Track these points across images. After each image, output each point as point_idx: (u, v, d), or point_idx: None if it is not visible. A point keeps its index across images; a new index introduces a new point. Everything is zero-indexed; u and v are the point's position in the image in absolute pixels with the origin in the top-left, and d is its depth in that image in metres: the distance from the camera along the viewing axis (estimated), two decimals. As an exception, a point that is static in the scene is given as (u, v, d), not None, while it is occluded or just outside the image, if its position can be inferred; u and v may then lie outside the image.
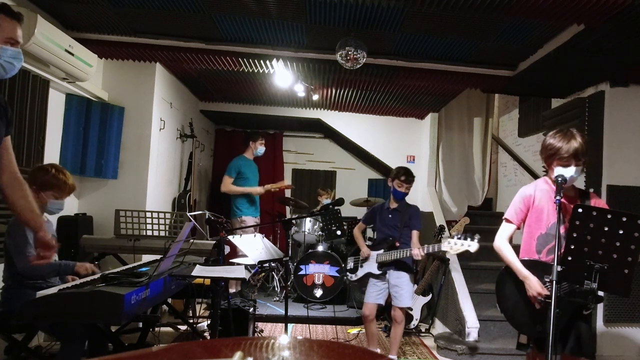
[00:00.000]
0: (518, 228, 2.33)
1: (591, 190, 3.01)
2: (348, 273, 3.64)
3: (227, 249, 3.26)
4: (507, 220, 2.32)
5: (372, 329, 3.47)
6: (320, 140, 7.12)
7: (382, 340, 4.16)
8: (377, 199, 5.61)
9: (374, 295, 3.42)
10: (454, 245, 3.04)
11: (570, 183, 2.15)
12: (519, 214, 2.29)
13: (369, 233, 5.53)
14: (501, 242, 2.28)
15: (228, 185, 5.09)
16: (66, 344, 2.34)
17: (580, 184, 3.95)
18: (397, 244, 3.37)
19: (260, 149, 5.30)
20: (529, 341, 2.24)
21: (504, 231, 2.31)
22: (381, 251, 3.39)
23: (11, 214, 2.65)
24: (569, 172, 2.09)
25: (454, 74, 4.10)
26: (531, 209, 2.26)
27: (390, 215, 3.46)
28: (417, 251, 3.21)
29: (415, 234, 3.40)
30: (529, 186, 2.33)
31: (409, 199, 3.54)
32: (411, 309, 4.33)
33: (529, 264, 2.17)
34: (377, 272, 3.40)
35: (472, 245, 2.98)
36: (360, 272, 3.51)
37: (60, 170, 2.61)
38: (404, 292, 3.35)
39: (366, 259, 3.47)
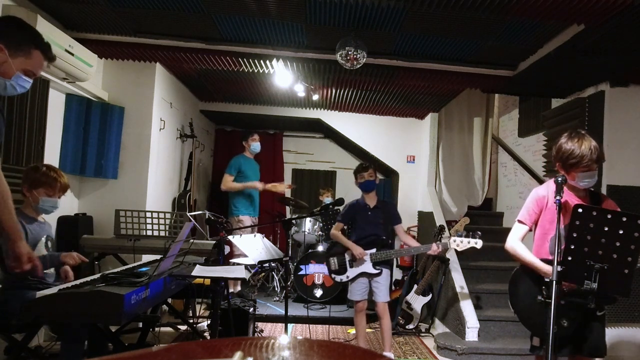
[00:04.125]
0: (530, 230, 2.31)
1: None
2: (334, 275, 3.56)
3: (227, 249, 3.26)
4: (520, 222, 2.30)
5: (364, 323, 3.57)
6: (320, 140, 7.12)
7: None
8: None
9: (361, 292, 3.48)
10: (460, 243, 3.27)
11: (589, 186, 2.14)
12: (532, 216, 2.28)
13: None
14: (515, 243, 2.26)
15: (228, 182, 5.07)
16: (67, 344, 2.34)
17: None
18: (390, 242, 3.49)
19: (254, 145, 5.21)
20: (542, 343, 2.18)
21: (517, 232, 2.29)
22: (373, 250, 3.42)
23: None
24: (594, 177, 2.10)
25: (453, 74, 4.10)
26: (545, 210, 2.24)
27: (369, 213, 3.52)
28: (435, 247, 3.32)
29: (400, 227, 3.61)
30: (541, 187, 2.32)
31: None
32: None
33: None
34: (374, 271, 3.42)
35: (479, 243, 3.23)
36: (352, 273, 3.48)
37: (52, 169, 2.63)
38: (384, 287, 3.46)
39: (356, 258, 3.42)
